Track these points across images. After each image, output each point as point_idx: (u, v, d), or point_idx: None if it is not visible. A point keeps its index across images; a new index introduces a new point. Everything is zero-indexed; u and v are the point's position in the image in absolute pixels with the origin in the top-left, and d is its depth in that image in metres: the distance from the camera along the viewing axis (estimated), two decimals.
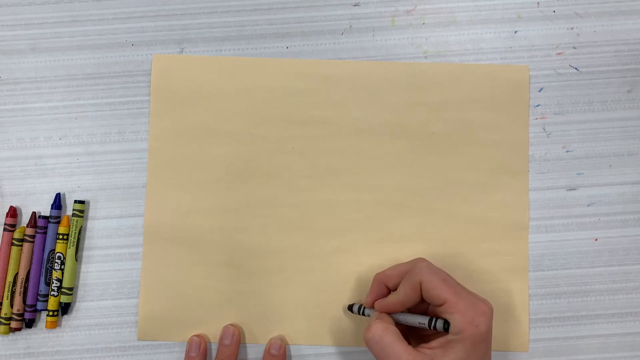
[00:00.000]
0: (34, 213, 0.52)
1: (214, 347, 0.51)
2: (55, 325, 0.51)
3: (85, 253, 0.52)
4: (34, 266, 0.51)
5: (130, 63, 0.53)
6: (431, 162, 0.52)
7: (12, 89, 0.53)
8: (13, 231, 0.51)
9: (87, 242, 0.52)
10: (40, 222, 0.51)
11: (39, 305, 0.51)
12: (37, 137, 0.53)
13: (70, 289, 0.51)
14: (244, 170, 0.52)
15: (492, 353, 0.50)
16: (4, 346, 0.51)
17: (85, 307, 0.51)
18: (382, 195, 0.52)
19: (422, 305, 0.46)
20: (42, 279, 0.51)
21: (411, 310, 0.47)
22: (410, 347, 0.43)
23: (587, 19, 0.53)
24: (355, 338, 0.51)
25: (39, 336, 0.51)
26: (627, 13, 0.53)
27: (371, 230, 0.52)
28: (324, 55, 0.53)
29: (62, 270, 0.51)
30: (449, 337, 0.42)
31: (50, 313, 0.51)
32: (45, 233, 0.51)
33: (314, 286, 0.51)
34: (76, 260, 0.51)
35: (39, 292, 0.51)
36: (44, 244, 0.51)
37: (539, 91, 0.53)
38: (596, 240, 0.52)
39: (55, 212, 0.51)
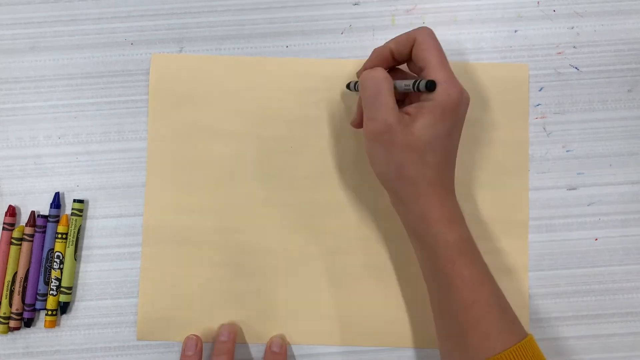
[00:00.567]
0: (33, 212, 0.51)
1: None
2: (54, 324, 0.51)
3: (84, 252, 0.52)
4: (32, 265, 0.51)
5: (130, 62, 0.53)
6: None
7: (11, 88, 0.53)
8: (12, 230, 0.51)
9: (86, 242, 0.52)
10: (39, 221, 0.51)
11: (38, 305, 0.51)
12: (36, 136, 0.53)
13: (69, 288, 0.51)
14: (243, 170, 0.52)
15: None
16: (3, 345, 0.51)
17: (84, 306, 0.51)
18: (382, 195, 0.52)
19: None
20: (41, 278, 0.51)
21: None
22: (397, 107, 0.44)
23: (588, 18, 0.53)
24: (355, 338, 0.51)
25: (37, 335, 0.51)
26: (628, 12, 0.53)
27: (371, 230, 0.52)
28: (324, 54, 0.53)
29: (61, 269, 0.51)
30: (421, 102, 0.43)
31: (49, 312, 0.50)
32: (44, 232, 0.51)
33: (314, 286, 0.51)
34: (75, 259, 0.51)
35: (38, 292, 0.51)
36: (43, 243, 0.51)
37: (539, 90, 0.53)
38: (596, 240, 0.52)
39: (54, 211, 0.51)
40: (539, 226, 0.52)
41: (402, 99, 0.47)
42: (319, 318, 0.51)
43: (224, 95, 0.52)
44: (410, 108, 0.44)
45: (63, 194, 0.52)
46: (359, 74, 0.49)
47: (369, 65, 0.48)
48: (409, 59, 0.46)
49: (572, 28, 0.53)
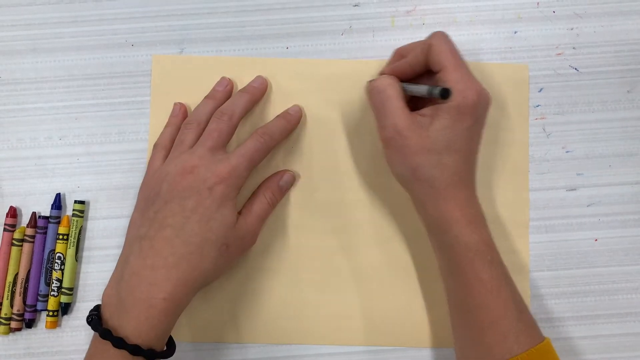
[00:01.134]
0: (34, 213, 0.52)
1: (216, 348, 0.51)
2: (55, 325, 0.51)
3: (85, 253, 0.52)
4: (34, 266, 0.51)
5: (131, 63, 0.53)
6: None
7: (12, 89, 0.53)
8: (13, 231, 0.51)
9: (87, 243, 0.52)
10: (40, 222, 0.51)
11: (39, 306, 0.51)
12: (37, 137, 0.53)
13: (70, 289, 0.51)
14: None
15: None
16: (4, 346, 0.51)
17: (85, 307, 0.51)
18: (381, 194, 0.52)
19: (427, 80, 0.46)
20: (42, 279, 0.51)
21: (418, 81, 0.47)
22: (407, 109, 0.44)
23: (587, 19, 0.53)
24: (355, 337, 0.51)
25: (39, 336, 0.51)
26: (627, 13, 0.53)
27: (371, 230, 0.52)
28: (323, 55, 0.53)
29: (62, 270, 0.51)
30: (438, 105, 0.43)
31: (50, 313, 0.51)
32: (45, 233, 0.51)
33: (314, 286, 0.51)
34: (76, 260, 0.51)
35: (39, 292, 0.51)
36: (44, 244, 0.51)
37: (539, 91, 0.53)
38: (596, 240, 0.52)
39: (55, 213, 0.51)
40: (539, 227, 0.52)
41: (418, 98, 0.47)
42: (318, 318, 0.51)
43: None
44: (426, 110, 0.44)
45: (64, 195, 0.52)
46: (380, 74, 0.49)
47: (387, 68, 0.48)
48: (428, 67, 0.46)
49: (572, 29, 0.53)
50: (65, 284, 0.51)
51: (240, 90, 0.51)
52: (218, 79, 0.52)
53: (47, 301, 0.51)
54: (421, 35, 0.53)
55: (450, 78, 0.43)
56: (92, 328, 0.42)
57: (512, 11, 0.54)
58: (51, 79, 0.53)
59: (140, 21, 0.53)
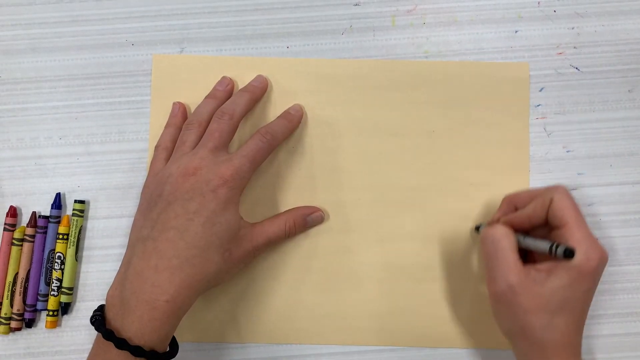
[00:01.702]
0: (34, 213, 0.52)
1: (216, 348, 0.51)
2: (55, 325, 0.51)
3: (86, 253, 0.52)
4: (34, 266, 0.51)
5: (131, 63, 0.53)
6: (432, 161, 0.52)
7: (12, 89, 0.53)
8: (13, 231, 0.51)
9: (87, 242, 0.52)
10: (40, 222, 0.51)
11: (39, 305, 0.51)
12: (37, 137, 0.53)
13: (70, 288, 0.51)
14: None
15: (496, 351, 0.50)
16: (4, 346, 0.51)
17: (85, 307, 0.51)
18: (382, 194, 0.52)
19: (542, 230, 0.45)
20: (42, 278, 0.51)
21: (532, 234, 0.46)
22: (520, 262, 0.43)
23: (588, 18, 0.53)
24: (355, 337, 0.51)
25: (39, 336, 0.51)
26: (628, 13, 0.53)
27: (371, 230, 0.52)
28: (324, 55, 0.53)
29: (62, 270, 0.51)
30: (556, 262, 0.42)
31: (50, 313, 0.51)
32: (45, 233, 0.51)
33: (314, 286, 0.51)
34: (76, 260, 0.51)
35: (39, 292, 0.51)
36: (44, 243, 0.51)
37: (540, 91, 0.53)
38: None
39: (55, 212, 0.51)
40: None
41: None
42: (318, 317, 0.51)
43: None
44: (542, 265, 0.43)
45: (64, 194, 0.52)
46: (489, 222, 0.48)
47: (498, 216, 0.48)
48: (545, 224, 0.45)
49: (573, 28, 0.53)
50: (65, 283, 0.51)
51: (241, 90, 0.51)
52: (218, 79, 0.52)
53: (47, 301, 0.51)
54: (422, 34, 0.53)
55: (573, 237, 0.42)
56: (96, 329, 0.42)
57: (513, 10, 0.53)
58: (51, 79, 0.53)
59: (141, 20, 0.53)
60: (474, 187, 0.52)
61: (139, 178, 0.52)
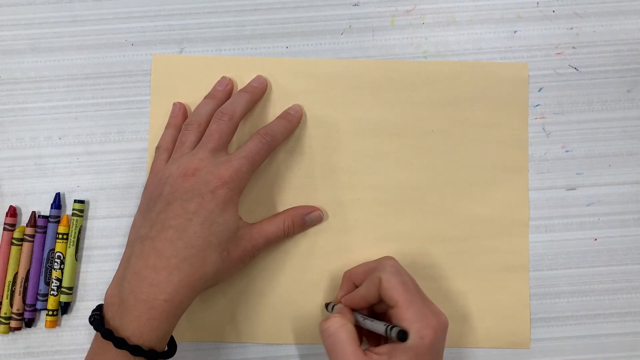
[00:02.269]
0: (33, 212, 0.52)
1: (215, 347, 0.51)
2: (55, 324, 0.51)
3: (85, 253, 0.52)
4: (33, 266, 0.51)
5: (130, 63, 0.53)
6: (431, 160, 0.52)
7: (11, 89, 0.53)
8: (13, 231, 0.51)
9: (87, 242, 0.52)
10: (40, 222, 0.51)
11: (39, 305, 0.51)
12: (36, 136, 0.53)
13: (70, 288, 0.51)
14: None
15: (494, 350, 0.50)
16: (4, 346, 0.51)
17: (85, 306, 0.51)
18: (382, 194, 0.52)
19: (383, 305, 0.45)
20: (42, 278, 0.51)
21: (375, 308, 0.46)
22: (359, 351, 0.42)
23: (587, 18, 0.53)
24: None
25: (38, 336, 0.51)
26: (627, 13, 0.53)
27: (371, 229, 0.52)
28: (323, 55, 0.53)
29: (61, 269, 0.51)
30: (394, 344, 0.42)
31: (50, 312, 0.51)
32: (45, 232, 0.51)
33: (314, 285, 0.51)
34: (76, 259, 0.51)
35: (39, 292, 0.51)
36: (44, 243, 0.51)
37: (539, 91, 0.53)
38: (596, 240, 0.52)
39: (55, 212, 0.51)
40: (538, 226, 0.52)
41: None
42: (318, 317, 0.51)
43: None
44: (382, 349, 0.42)
45: (64, 194, 0.52)
46: (336, 300, 0.48)
47: (340, 295, 0.48)
48: (381, 299, 0.44)
49: (572, 28, 0.53)
50: (65, 283, 0.51)
51: (241, 90, 0.51)
52: (218, 79, 0.52)
53: (46, 300, 0.51)
54: (421, 34, 0.53)
55: (405, 317, 0.42)
56: (95, 328, 0.43)
57: (511, 10, 0.54)
58: (51, 79, 0.53)
59: (140, 21, 0.53)
60: (473, 187, 0.52)
61: (139, 178, 0.52)
